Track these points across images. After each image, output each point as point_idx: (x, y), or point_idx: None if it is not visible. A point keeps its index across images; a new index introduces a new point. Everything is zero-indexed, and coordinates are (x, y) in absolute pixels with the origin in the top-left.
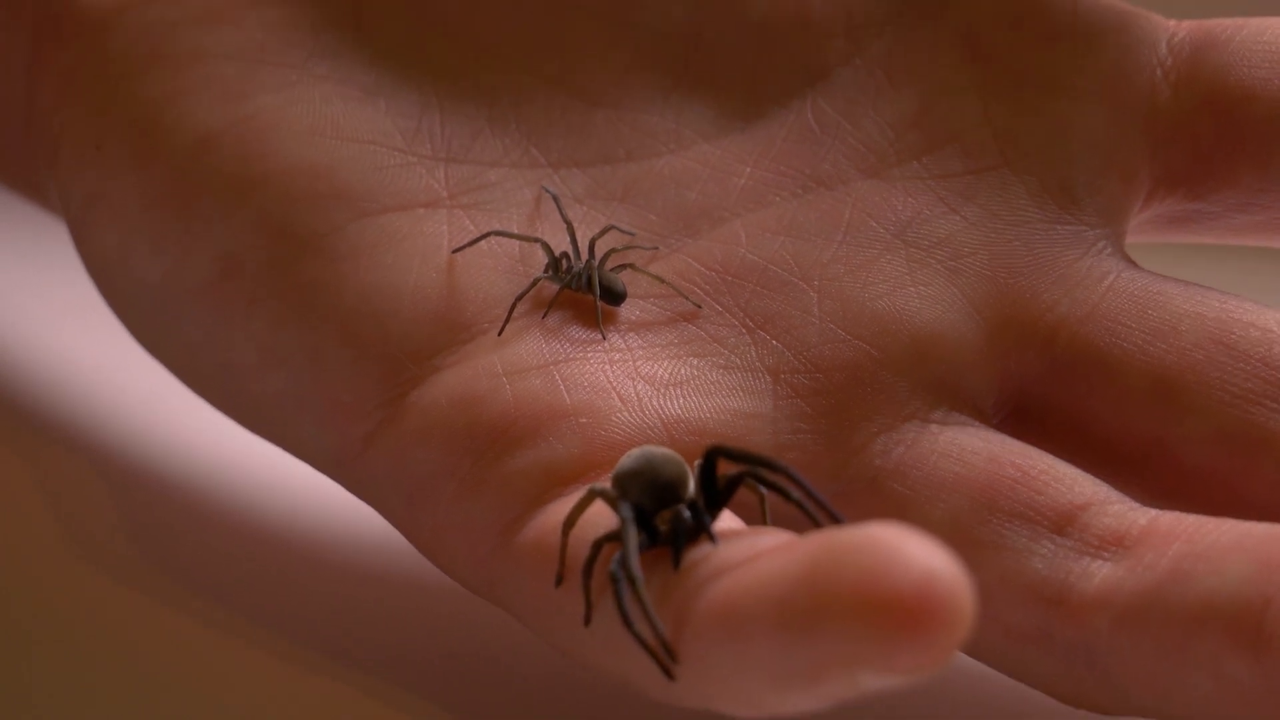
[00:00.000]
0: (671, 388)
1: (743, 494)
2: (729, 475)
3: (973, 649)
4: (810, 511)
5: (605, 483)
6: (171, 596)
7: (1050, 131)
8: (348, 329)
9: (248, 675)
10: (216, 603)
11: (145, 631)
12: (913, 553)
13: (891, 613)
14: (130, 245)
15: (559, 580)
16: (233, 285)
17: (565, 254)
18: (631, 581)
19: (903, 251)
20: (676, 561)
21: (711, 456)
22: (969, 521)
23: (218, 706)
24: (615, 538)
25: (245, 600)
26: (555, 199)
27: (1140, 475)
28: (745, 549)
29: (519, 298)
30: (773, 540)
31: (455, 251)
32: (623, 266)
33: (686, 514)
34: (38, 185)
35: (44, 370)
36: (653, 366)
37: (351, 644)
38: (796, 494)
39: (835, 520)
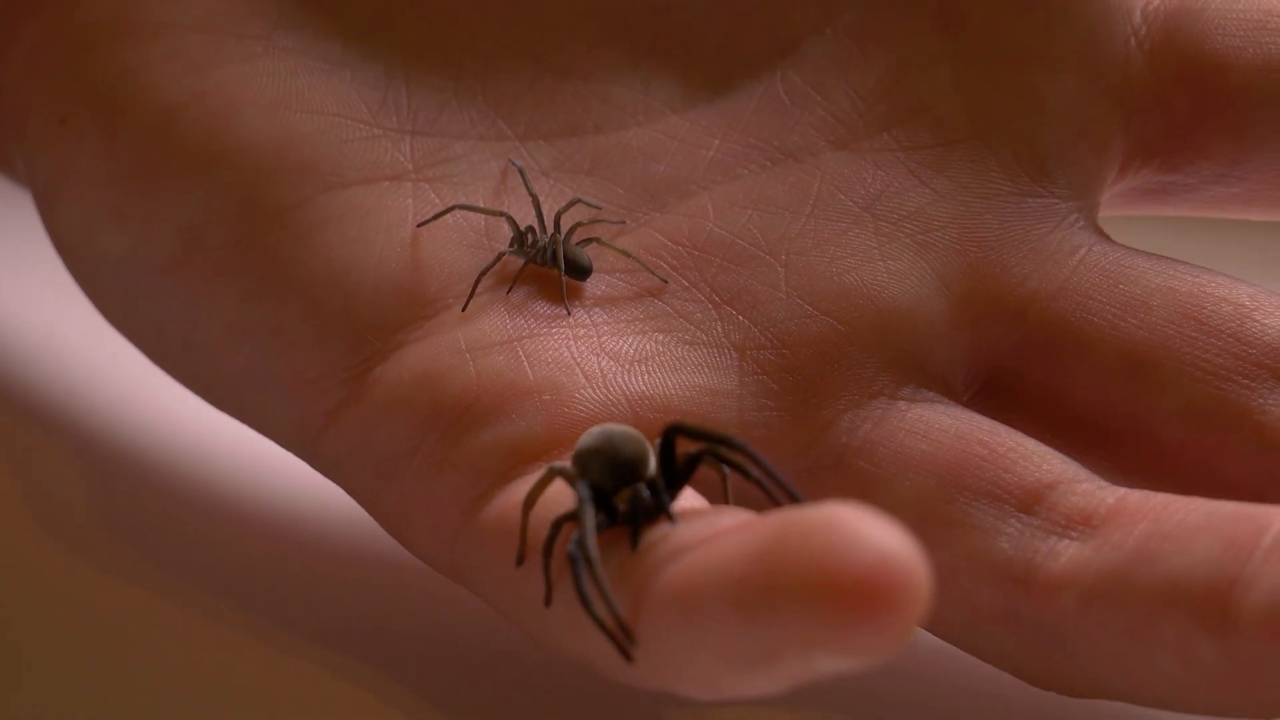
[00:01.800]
0: (637, 364)
1: (707, 472)
2: (689, 454)
3: (939, 629)
4: (770, 490)
5: (567, 461)
6: (146, 578)
7: (1022, 103)
8: (312, 303)
9: (224, 657)
10: (192, 584)
11: (120, 613)
12: (869, 534)
13: (846, 594)
14: (95, 219)
15: (520, 560)
16: (197, 259)
17: (531, 228)
18: (589, 562)
19: (871, 225)
20: (634, 541)
21: (670, 434)
22: (936, 500)
23: (195, 688)
24: (575, 517)
25: (220, 581)
26: (521, 172)
27: (1112, 452)
28: (704, 529)
29: (483, 272)
30: (732, 520)
31: (420, 225)
32: (589, 241)
33: (645, 493)
34: (6, 159)
35: (17, 348)
36: (618, 342)
37: (329, 625)
38: (756, 472)
39: (794, 499)
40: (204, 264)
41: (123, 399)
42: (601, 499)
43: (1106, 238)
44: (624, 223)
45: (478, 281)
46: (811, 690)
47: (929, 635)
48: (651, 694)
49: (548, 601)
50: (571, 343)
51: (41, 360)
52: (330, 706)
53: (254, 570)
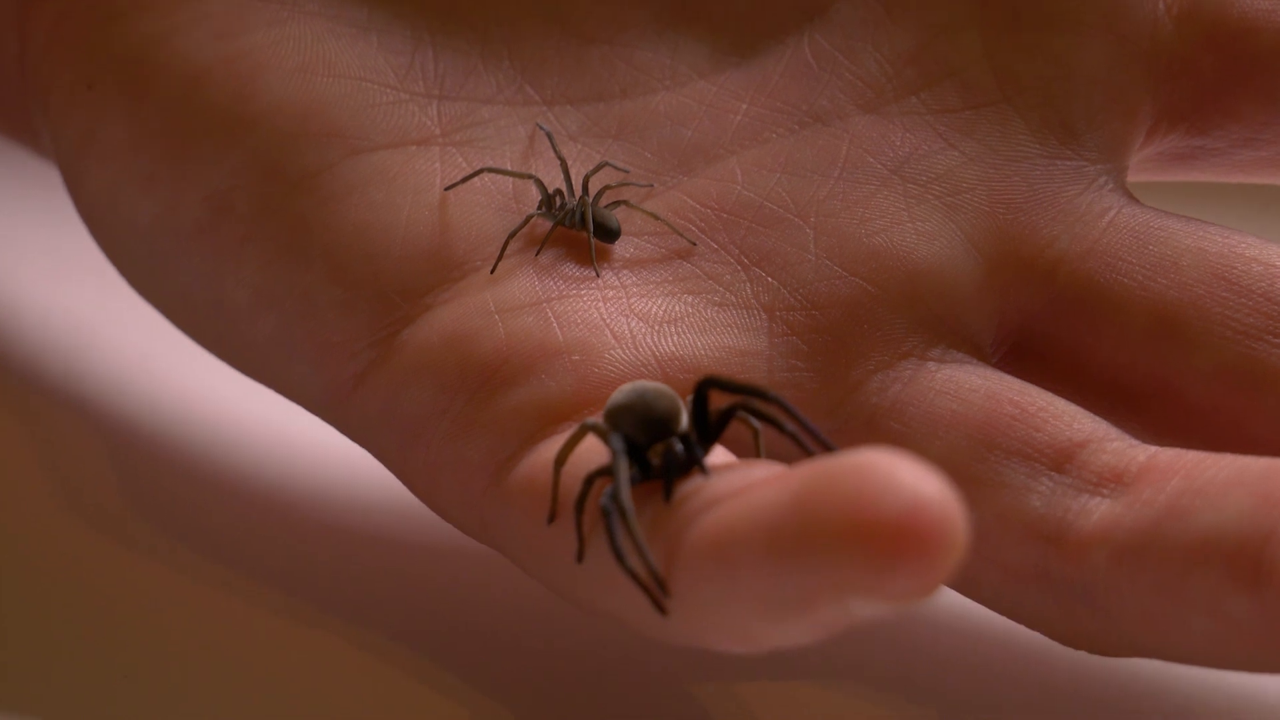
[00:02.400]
0: (666, 325)
1: (739, 432)
2: (721, 408)
3: (970, 589)
4: (803, 442)
5: (598, 419)
6: (166, 553)
7: (1051, 66)
8: (339, 268)
9: (250, 633)
10: (213, 559)
11: (138, 587)
12: (903, 477)
13: (881, 537)
14: (122, 186)
15: (551, 518)
16: (224, 225)
17: (559, 191)
18: (623, 514)
19: (900, 187)
20: (668, 494)
21: (703, 388)
22: (966, 459)
23: (215, 662)
24: (607, 472)
25: (239, 556)
26: (549, 136)
27: (1141, 412)
28: (737, 480)
29: (512, 235)
30: (765, 472)
31: (448, 189)
32: (617, 203)
33: (679, 446)
34: (32, 131)
35: (38, 325)
36: (647, 304)
37: (350, 599)
38: (790, 425)
39: (829, 450)
40: (231, 230)
41: (149, 379)
42: (634, 454)
43: (1135, 200)
44: (652, 186)
45: (506, 244)
46: (840, 655)
47: (959, 596)
48: (672, 669)
49: (580, 558)
50: (600, 304)
51: (68, 341)
52: (356, 681)
53: (280, 548)
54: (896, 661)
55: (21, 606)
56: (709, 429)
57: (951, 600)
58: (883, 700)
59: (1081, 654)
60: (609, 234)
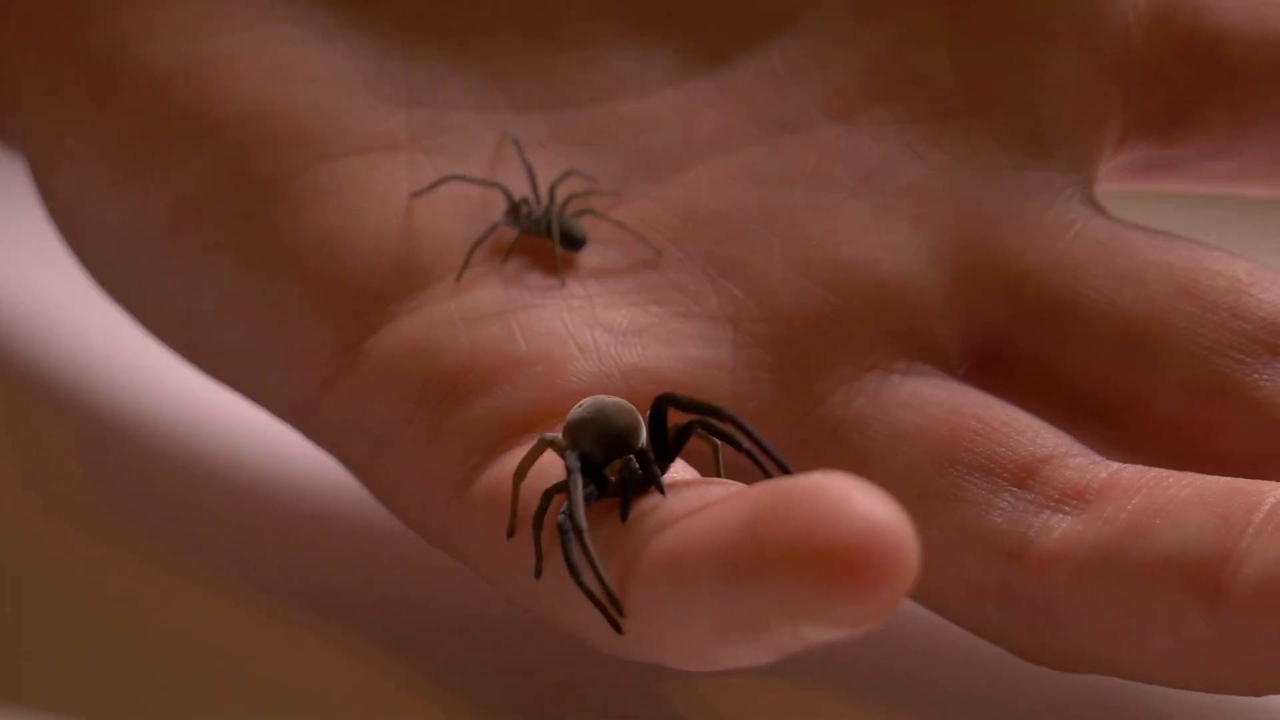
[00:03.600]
0: (630, 336)
1: (700, 446)
2: (679, 425)
3: (932, 603)
4: (760, 461)
5: (559, 432)
6: (147, 551)
7: (1020, 76)
8: (306, 274)
9: (224, 629)
10: (193, 557)
11: (122, 587)
12: (856, 502)
13: (833, 562)
14: (89, 190)
15: (511, 532)
16: (191, 230)
17: (525, 199)
18: (577, 532)
19: (868, 198)
20: (624, 513)
21: (660, 405)
22: (929, 473)
23: (194, 658)
24: (565, 488)
25: (220, 554)
26: (517, 143)
27: (1108, 427)
28: (694, 500)
29: (477, 243)
30: (722, 491)
31: (414, 196)
32: (583, 212)
33: (636, 464)
34: (3, 130)
35: (14, 320)
36: (612, 314)
37: (330, 596)
38: (745, 443)
39: (784, 470)
40: (199, 235)
41: (121, 373)
42: (592, 470)
43: (1103, 212)
44: (619, 194)
45: (471, 252)
46: (803, 664)
47: (921, 609)
48: (643, 667)
49: (538, 573)
50: (565, 314)
51: (39, 334)
52: (330, 679)
53: (253, 543)
54: (860, 674)
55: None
56: (667, 446)
57: (913, 613)
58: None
59: (1042, 669)
60: (575, 243)
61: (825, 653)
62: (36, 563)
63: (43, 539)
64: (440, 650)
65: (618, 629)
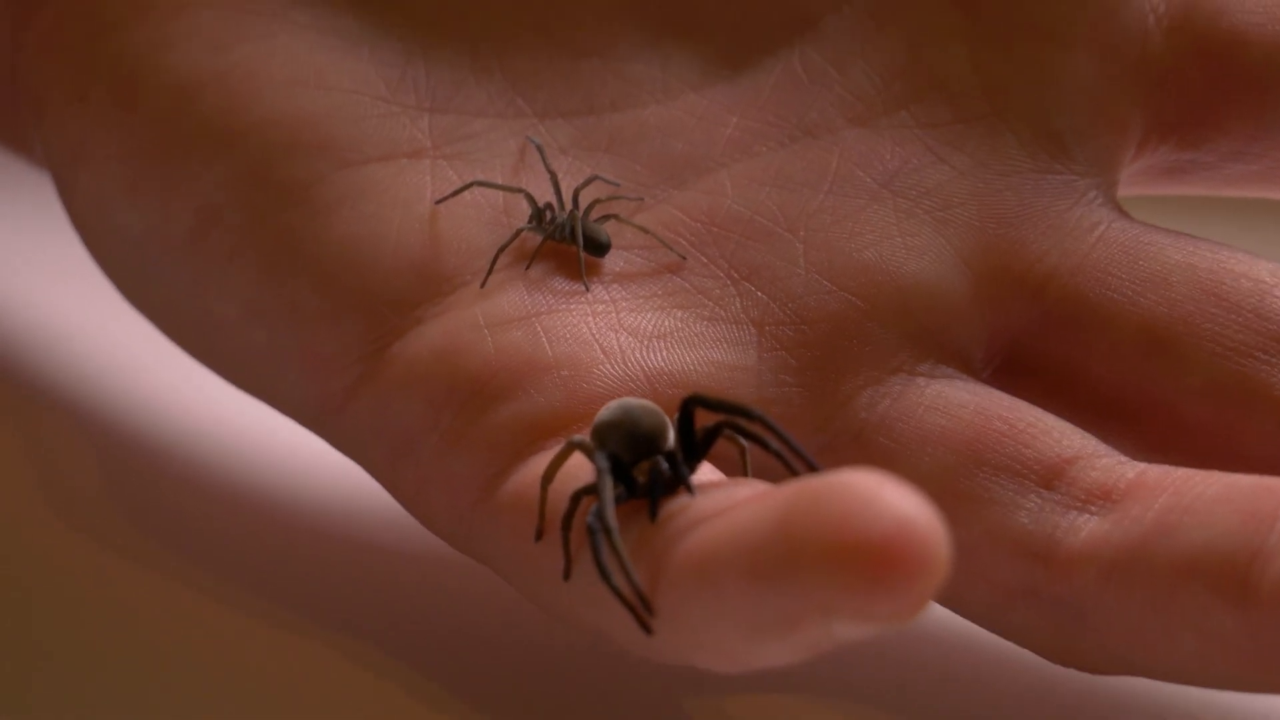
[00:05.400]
0: (655, 340)
1: (727, 449)
2: (707, 426)
3: (959, 607)
4: (788, 461)
5: (585, 436)
6: (160, 562)
7: (1040, 79)
8: (329, 280)
9: (236, 641)
10: (205, 569)
11: (134, 598)
12: (886, 499)
13: (864, 560)
14: (113, 197)
15: (539, 535)
16: (214, 237)
17: (549, 204)
18: (607, 533)
19: (890, 202)
20: (653, 513)
21: (689, 406)
22: (955, 475)
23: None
24: (593, 490)
25: (233, 566)
26: (539, 149)
27: (1132, 428)
28: (722, 500)
29: (501, 249)
30: (750, 491)
31: (438, 202)
32: (607, 217)
33: (664, 465)
34: (26, 141)
35: (32, 331)
36: (636, 318)
37: (338, 607)
38: (775, 444)
39: (813, 469)
40: (221, 241)
41: (139, 384)
42: (620, 472)
43: (1125, 214)
44: (642, 199)
45: (496, 258)
46: (830, 671)
47: (948, 613)
48: (666, 680)
49: (567, 575)
50: (590, 319)
51: (59, 345)
52: (344, 692)
53: (267, 555)
54: (886, 675)
55: (7, 611)
56: (695, 447)
57: (940, 617)
58: (871, 714)
59: (1070, 671)
60: (599, 248)
61: (845, 658)
62: (53, 572)
63: (56, 549)
64: (452, 661)
65: (648, 630)
